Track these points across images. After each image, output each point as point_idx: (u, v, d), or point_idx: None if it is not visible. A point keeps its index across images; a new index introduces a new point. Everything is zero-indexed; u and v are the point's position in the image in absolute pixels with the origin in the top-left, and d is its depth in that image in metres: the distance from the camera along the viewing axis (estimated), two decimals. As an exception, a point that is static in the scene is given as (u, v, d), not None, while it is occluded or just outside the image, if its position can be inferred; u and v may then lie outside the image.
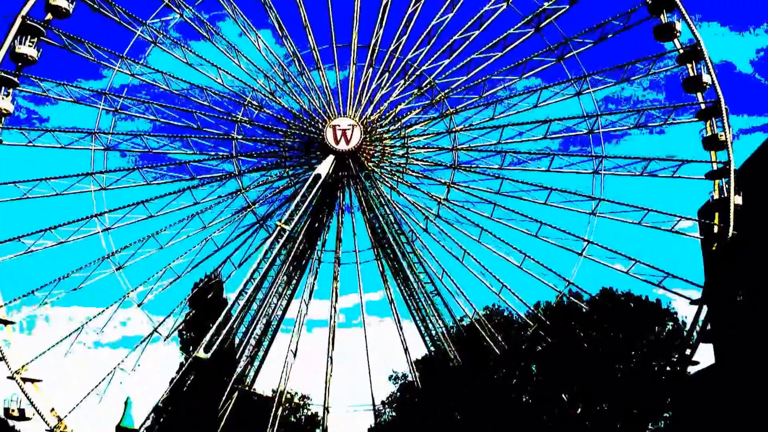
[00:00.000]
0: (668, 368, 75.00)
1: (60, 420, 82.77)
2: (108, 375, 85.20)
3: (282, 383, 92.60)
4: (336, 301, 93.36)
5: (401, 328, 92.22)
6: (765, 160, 73.57)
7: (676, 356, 76.45)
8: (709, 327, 78.83)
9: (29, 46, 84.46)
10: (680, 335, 77.35)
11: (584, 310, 79.16)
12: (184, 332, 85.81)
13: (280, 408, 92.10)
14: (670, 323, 77.63)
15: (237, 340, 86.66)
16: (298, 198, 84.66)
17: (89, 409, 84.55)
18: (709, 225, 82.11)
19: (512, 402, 74.11)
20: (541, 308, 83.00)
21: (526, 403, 75.19)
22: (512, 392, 75.49)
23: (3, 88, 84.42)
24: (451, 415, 76.46)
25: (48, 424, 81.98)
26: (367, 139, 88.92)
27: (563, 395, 74.03)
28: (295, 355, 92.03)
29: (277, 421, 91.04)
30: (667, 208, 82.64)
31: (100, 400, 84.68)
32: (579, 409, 72.88)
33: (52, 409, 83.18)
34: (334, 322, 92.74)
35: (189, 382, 79.69)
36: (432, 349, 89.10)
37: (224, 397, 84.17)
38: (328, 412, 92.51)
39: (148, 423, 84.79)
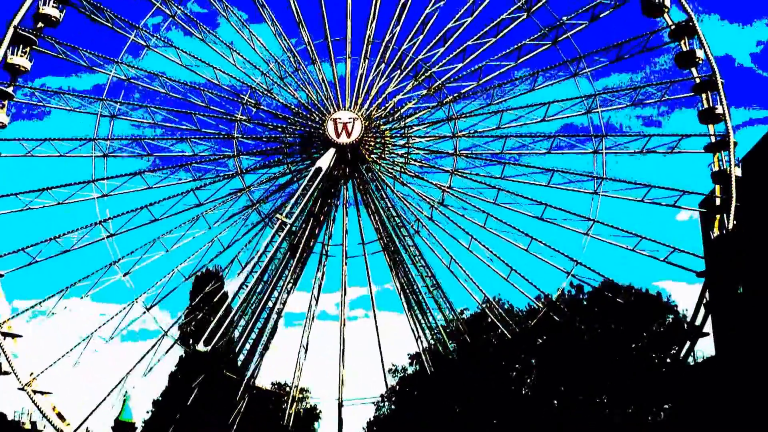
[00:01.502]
0: (668, 360, 75.15)
1: (32, 377, 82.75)
2: (85, 339, 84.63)
3: (295, 379, 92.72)
4: (318, 294, 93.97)
5: (377, 328, 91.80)
6: (765, 154, 72.39)
7: (676, 348, 76.64)
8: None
9: (21, 56, 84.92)
10: (680, 326, 77.17)
11: (584, 303, 78.76)
12: (183, 325, 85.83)
13: (294, 404, 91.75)
14: (670, 316, 77.77)
15: (237, 333, 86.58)
16: (299, 191, 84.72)
17: (90, 403, 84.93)
18: (710, 217, 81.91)
19: (511, 394, 73.72)
20: (542, 301, 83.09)
21: (525, 395, 74.79)
22: (511, 384, 75.15)
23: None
24: (449, 408, 76.08)
25: (20, 381, 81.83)
26: (369, 131, 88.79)
27: (563, 388, 73.61)
28: (306, 350, 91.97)
29: (292, 415, 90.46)
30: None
31: (113, 406, 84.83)
32: (578, 402, 72.41)
33: (31, 373, 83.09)
34: (312, 315, 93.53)
35: (188, 375, 79.85)
36: (431, 342, 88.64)
37: (223, 390, 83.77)
38: (342, 405, 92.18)
39: (147, 417, 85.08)
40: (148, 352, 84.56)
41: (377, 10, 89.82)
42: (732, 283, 73.42)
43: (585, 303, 79.60)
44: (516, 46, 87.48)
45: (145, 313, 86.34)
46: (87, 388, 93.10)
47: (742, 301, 70.81)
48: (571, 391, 73.11)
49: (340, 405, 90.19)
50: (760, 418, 60.72)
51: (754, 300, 67.59)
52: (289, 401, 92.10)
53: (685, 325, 78.14)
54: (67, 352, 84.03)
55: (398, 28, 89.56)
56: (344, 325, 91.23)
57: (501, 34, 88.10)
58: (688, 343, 77.66)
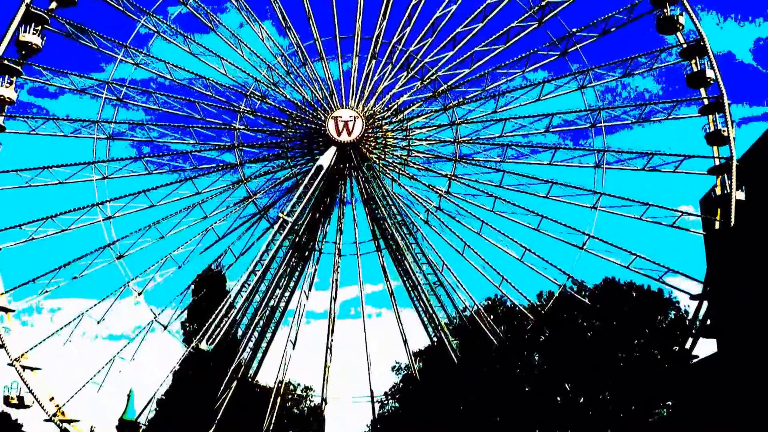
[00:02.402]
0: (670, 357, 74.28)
1: (59, 408, 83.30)
2: (108, 363, 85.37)
3: (281, 374, 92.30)
4: (309, 291, 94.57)
5: (365, 327, 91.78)
6: (766, 151, 72.22)
7: (677, 347, 75.75)
8: (709, 322, 78.41)
9: (33, 34, 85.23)
10: (682, 324, 76.56)
11: (586, 301, 78.37)
12: (186, 324, 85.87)
13: (279, 399, 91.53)
14: (672, 312, 77.00)
15: (239, 332, 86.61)
16: (300, 189, 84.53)
17: (92, 402, 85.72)
18: (711, 218, 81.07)
19: (514, 392, 73.43)
20: (543, 298, 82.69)
21: (528, 393, 74.51)
22: (514, 382, 74.84)
23: (6, 76, 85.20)
24: (452, 405, 75.93)
25: (47, 413, 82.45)
26: (369, 130, 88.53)
27: (566, 385, 73.28)
28: (294, 345, 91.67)
29: (275, 413, 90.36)
30: (668, 199, 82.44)
31: (99, 388, 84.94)
32: (581, 399, 72.22)
33: (52, 398, 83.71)
34: (334, 313, 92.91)
35: (191, 373, 79.96)
36: (434, 339, 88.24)
37: (226, 388, 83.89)
38: (326, 402, 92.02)
39: (150, 414, 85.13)
40: (137, 335, 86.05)
41: (388, 11, 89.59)
42: (733, 281, 73.60)
43: (587, 300, 79.05)
44: (524, 55, 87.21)
45: (139, 294, 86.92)
46: (79, 374, 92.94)
47: (743, 300, 70.82)
48: (573, 389, 72.79)
49: (323, 401, 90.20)
50: (762, 414, 61.01)
51: (755, 299, 67.85)
52: (273, 394, 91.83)
53: (687, 321, 77.52)
54: (58, 330, 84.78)
55: (408, 29, 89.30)
56: (334, 322, 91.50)
57: (510, 43, 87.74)
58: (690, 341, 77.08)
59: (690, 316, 78.04)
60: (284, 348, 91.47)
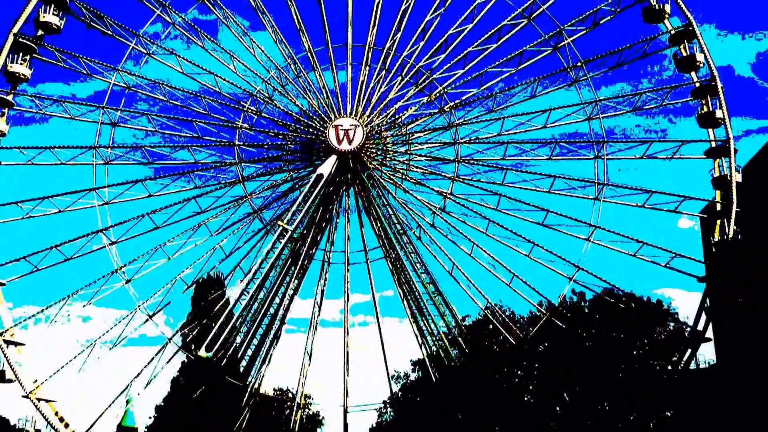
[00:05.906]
0: (669, 367, 75.62)
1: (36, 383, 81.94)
2: (88, 347, 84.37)
3: (299, 387, 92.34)
4: (321, 301, 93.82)
5: (381, 334, 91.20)
6: (766, 163, 73.10)
7: (676, 357, 76.89)
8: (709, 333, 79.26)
9: (21, 64, 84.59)
10: (681, 335, 77.71)
11: (586, 310, 79.17)
12: (186, 332, 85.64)
13: (299, 413, 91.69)
14: (671, 323, 78.13)
15: (239, 339, 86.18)
16: (300, 198, 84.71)
17: (92, 409, 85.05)
18: (710, 223, 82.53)
19: (514, 400, 73.97)
20: (543, 308, 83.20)
21: (527, 401, 75.09)
22: (514, 391, 75.38)
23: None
24: (451, 414, 76.22)
25: (24, 389, 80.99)
26: (370, 138, 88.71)
27: (565, 394, 73.94)
28: (310, 358, 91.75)
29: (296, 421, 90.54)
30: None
31: (80, 370, 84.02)
32: (580, 408, 72.71)
33: (35, 381, 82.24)
34: (316, 322, 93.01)
35: (190, 381, 79.89)
36: (433, 348, 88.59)
37: (226, 396, 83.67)
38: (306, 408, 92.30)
39: (150, 422, 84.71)
40: (152, 359, 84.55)
41: (378, 18, 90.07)
42: (732, 289, 73.71)
43: (586, 310, 79.79)
44: (517, 52, 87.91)
45: (147, 320, 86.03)
46: (89, 394, 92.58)
47: (743, 306, 71.25)
48: (573, 398, 73.39)
49: (346, 412, 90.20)
50: (761, 425, 61.41)
51: (754, 306, 68.19)
52: (295, 408, 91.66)
53: (686, 333, 78.50)
54: (70, 360, 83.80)
55: (399, 34, 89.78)
56: (348, 333, 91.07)
57: (502, 41, 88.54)
58: (689, 351, 78.16)
59: (688, 328, 78.85)
60: (302, 360, 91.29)
